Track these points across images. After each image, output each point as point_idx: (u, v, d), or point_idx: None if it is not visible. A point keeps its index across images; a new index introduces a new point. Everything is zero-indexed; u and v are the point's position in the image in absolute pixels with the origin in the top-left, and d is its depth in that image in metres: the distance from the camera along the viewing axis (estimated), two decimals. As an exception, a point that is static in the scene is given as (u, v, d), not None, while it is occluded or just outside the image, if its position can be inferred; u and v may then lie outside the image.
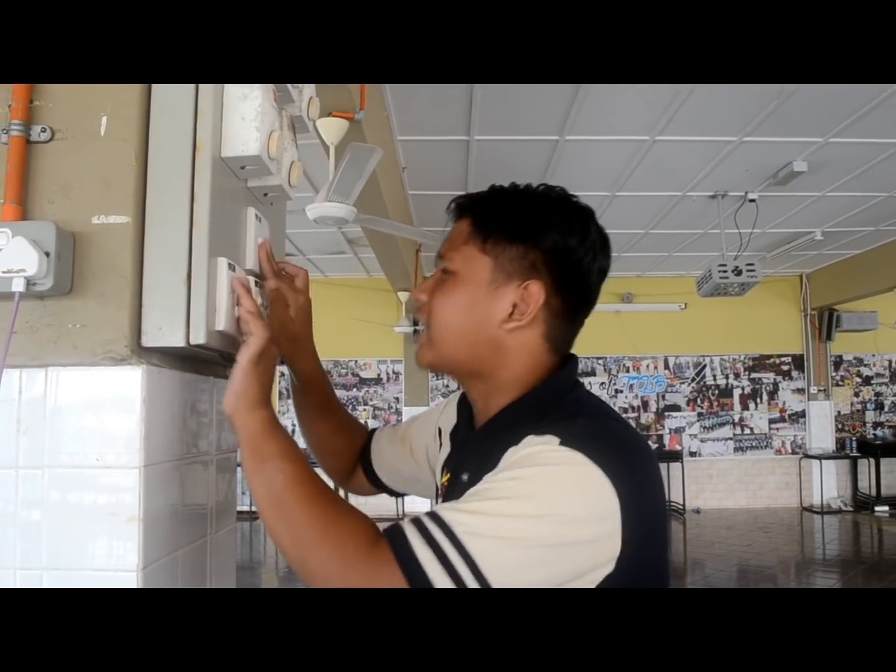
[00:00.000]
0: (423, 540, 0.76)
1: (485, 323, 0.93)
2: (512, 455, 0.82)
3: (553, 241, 0.92)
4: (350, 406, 9.38)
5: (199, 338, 0.96)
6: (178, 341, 0.96)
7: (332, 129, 3.07)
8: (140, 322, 0.97)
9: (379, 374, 9.50)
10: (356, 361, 9.46)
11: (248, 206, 1.11)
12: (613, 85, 3.89)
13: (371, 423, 9.14)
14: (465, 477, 0.95)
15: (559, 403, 0.92)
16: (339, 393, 9.23)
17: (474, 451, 0.97)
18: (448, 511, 0.78)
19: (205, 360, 1.15)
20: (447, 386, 9.42)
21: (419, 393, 9.42)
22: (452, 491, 0.97)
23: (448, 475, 1.04)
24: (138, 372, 0.96)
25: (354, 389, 9.47)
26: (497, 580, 0.73)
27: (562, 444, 0.78)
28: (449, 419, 1.14)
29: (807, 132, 4.71)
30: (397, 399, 9.48)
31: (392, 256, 6.02)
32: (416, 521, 0.78)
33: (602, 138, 4.73)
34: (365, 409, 9.44)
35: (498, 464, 0.83)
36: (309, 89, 1.25)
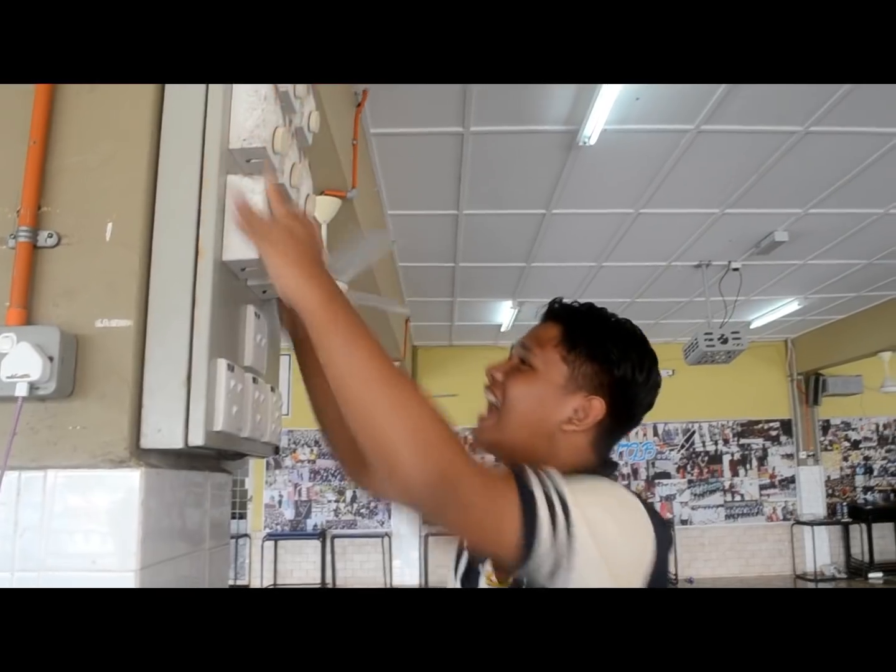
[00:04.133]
0: (542, 489, 0.87)
1: (548, 419, 1.05)
2: None
3: (625, 371, 1.06)
4: (339, 476, 9.28)
5: (197, 439, 0.97)
6: (176, 443, 0.97)
7: (324, 207, 3.13)
8: (140, 424, 0.98)
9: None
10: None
11: (247, 305, 1.13)
12: (599, 159, 4.01)
13: (360, 494, 9.12)
14: None
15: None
16: (327, 463, 9.20)
17: None
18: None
19: (200, 456, 1.16)
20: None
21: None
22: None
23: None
24: (136, 474, 0.96)
25: (342, 460, 9.36)
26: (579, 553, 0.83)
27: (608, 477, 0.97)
28: None
29: (787, 203, 4.84)
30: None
31: (382, 327, 6.07)
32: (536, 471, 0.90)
33: (588, 211, 4.83)
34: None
35: None
36: (307, 186, 1.29)
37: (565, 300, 1.14)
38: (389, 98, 3.37)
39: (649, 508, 0.94)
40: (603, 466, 1.07)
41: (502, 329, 8.28)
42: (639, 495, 0.97)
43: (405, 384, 0.83)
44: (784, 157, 4.09)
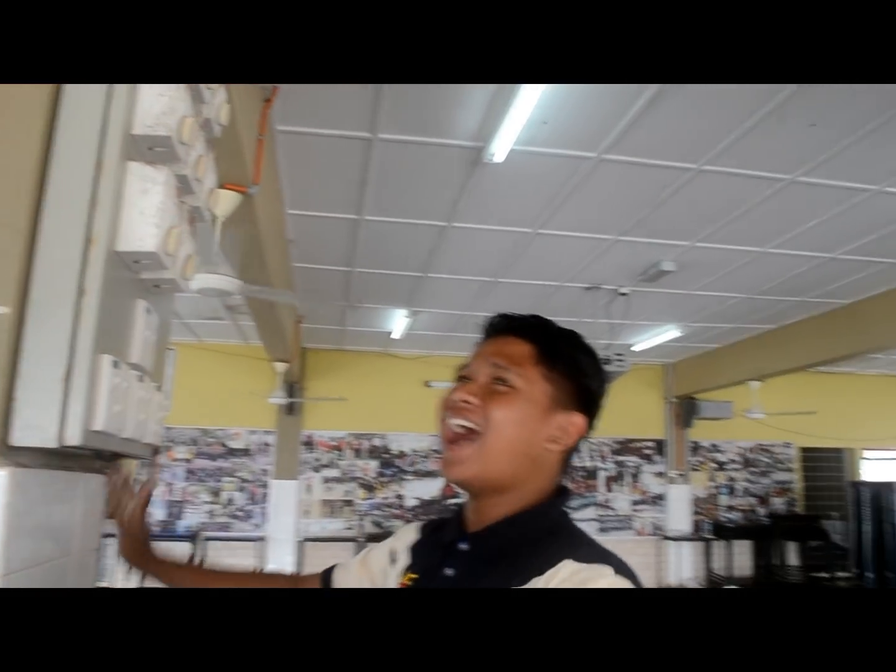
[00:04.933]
0: None
1: (534, 440, 1.02)
2: (556, 577, 0.89)
3: (596, 385, 1.08)
4: (215, 478, 9.01)
5: (74, 438, 0.91)
6: (50, 441, 0.90)
7: (224, 201, 3.02)
8: (9, 419, 0.91)
9: (248, 445, 9.16)
10: (225, 431, 9.13)
11: (137, 299, 1.07)
12: (504, 177, 4.06)
13: (237, 496, 8.89)
14: (449, 572, 1.02)
15: (567, 527, 1.03)
16: (205, 463, 8.93)
17: (472, 552, 1.03)
18: None
19: (75, 456, 1.09)
20: (318, 459, 9.24)
21: (289, 467, 9.15)
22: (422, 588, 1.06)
23: (414, 576, 1.10)
24: (3, 473, 0.89)
25: (221, 460, 9.07)
26: None
27: (616, 572, 0.90)
28: (406, 541, 1.19)
29: (676, 236, 5.06)
30: (265, 471, 9.15)
31: (272, 326, 5.93)
32: None
33: (488, 227, 4.89)
34: (231, 481, 9.06)
35: (520, 570, 0.91)
36: (210, 180, 1.24)
37: (512, 313, 1.12)
38: (300, 96, 3.30)
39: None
40: (561, 496, 1.08)
41: (393, 336, 8.26)
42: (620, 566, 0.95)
43: None
44: (678, 191, 4.27)
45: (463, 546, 1.04)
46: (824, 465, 10.98)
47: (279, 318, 5.67)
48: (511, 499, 1.02)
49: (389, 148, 3.75)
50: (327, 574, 1.28)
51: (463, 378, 1.07)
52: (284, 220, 4.72)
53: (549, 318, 1.11)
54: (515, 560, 0.94)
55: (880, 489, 9.21)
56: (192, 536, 8.61)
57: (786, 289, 6.36)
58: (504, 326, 1.09)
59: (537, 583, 0.89)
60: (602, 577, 0.88)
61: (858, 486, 9.78)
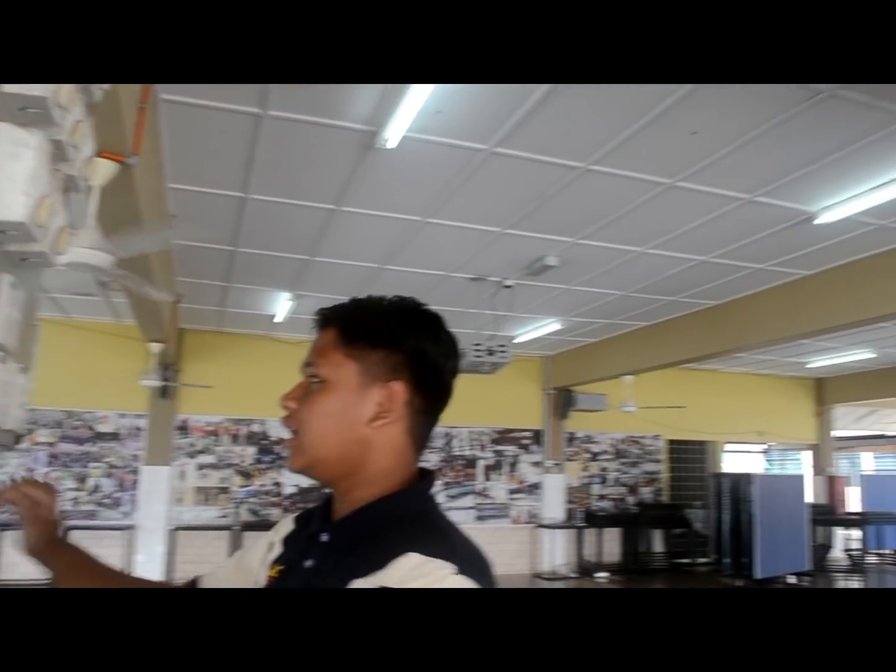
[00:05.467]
0: None
1: (354, 424, 1.00)
2: (398, 570, 0.87)
3: (410, 344, 1.02)
4: (81, 463, 8.55)
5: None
6: None
7: (101, 170, 2.84)
8: None
9: (118, 429, 8.73)
10: (93, 413, 8.67)
11: (1, 273, 0.98)
12: (396, 164, 4.03)
13: (104, 483, 8.47)
14: (309, 564, 1.01)
15: (425, 517, 1.00)
16: (70, 447, 8.47)
17: (331, 543, 1.01)
18: None
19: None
20: (192, 445, 8.94)
21: (162, 452, 8.80)
22: (286, 580, 1.04)
23: (280, 567, 1.08)
24: None
25: (88, 444, 8.60)
26: None
27: (459, 572, 0.86)
28: (282, 532, 1.18)
29: (561, 232, 5.19)
30: (136, 457, 8.75)
31: (147, 305, 5.66)
32: None
33: (378, 213, 4.85)
34: (98, 467, 8.61)
35: (372, 570, 0.88)
36: (88, 147, 1.15)
37: (329, 306, 1.10)
38: (184, 65, 3.15)
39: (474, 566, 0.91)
40: (424, 481, 1.04)
41: (276, 320, 8.09)
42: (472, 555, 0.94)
43: None
44: (564, 189, 4.37)
45: (324, 537, 1.03)
46: (689, 457, 11.64)
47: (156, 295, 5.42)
48: (362, 485, 1.01)
49: (280, 126, 3.65)
50: (193, 586, 1.24)
51: None
52: (166, 193, 4.51)
53: (434, 307, 1.08)
54: (364, 551, 0.93)
55: (739, 480, 9.81)
56: (53, 525, 8.14)
57: (660, 288, 6.67)
58: (318, 321, 1.09)
59: (379, 575, 0.87)
60: (442, 574, 0.86)
61: (719, 477, 10.40)
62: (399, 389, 1.00)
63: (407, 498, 1.01)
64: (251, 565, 1.19)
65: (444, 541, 0.93)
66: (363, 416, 1.00)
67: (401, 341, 1.01)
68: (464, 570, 0.86)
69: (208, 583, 1.23)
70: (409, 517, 0.98)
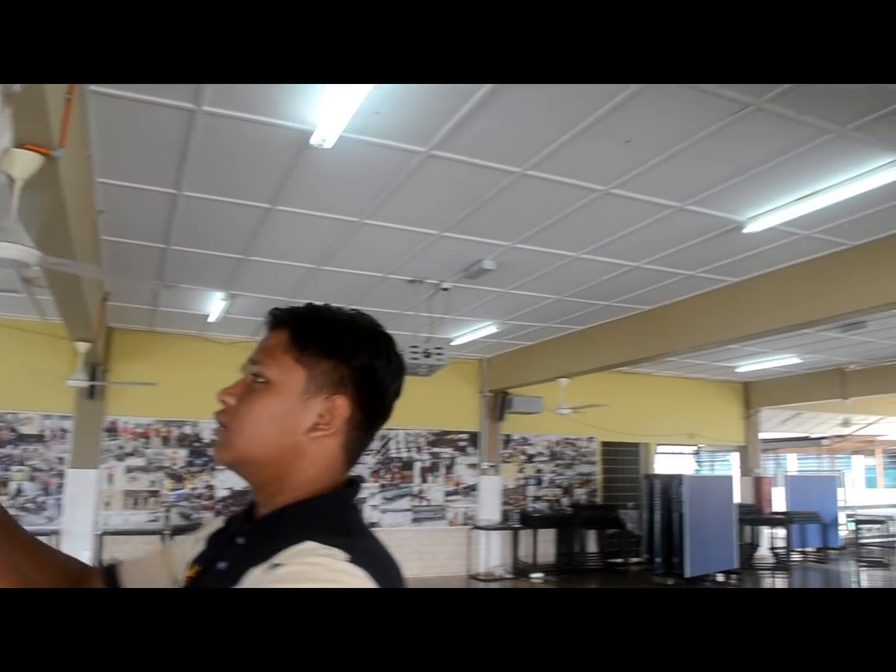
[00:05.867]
0: None
1: (291, 431, 0.98)
2: (289, 552, 0.86)
3: (361, 360, 1.01)
4: (3, 466, 8.22)
5: None
6: None
7: (23, 162, 2.74)
8: None
9: (42, 431, 8.42)
10: (16, 415, 8.34)
11: None
12: (332, 164, 4.00)
13: (27, 487, 8.18)
14: (222, 565, 0.99)
15: (341, 519, 0.97)
16: (-9, 450, 8.12)
17: (246, 545, 1.00)
18: None
19: None
20: (121, 447, 8.70)
21: (89, 455, 8.54)
22: (199, 581, 1.01)
23: (197, 567, 1.06)
24: None
25: (10, 446, 8.27)
26: None
27: (350, 561, 0.84)
28: (209, 530, 1.16)
29: (497, 235, 5.23)
30: (61, 460, 8.46)
31: (74, 302, 5.48)
32: None
33: (314, 213, 4.81)
34: (21, 470, 8.29)
35: (271, 557, 0.86)
36: (6, 138, 1.11)
37: (284, 307, 1.08)
38: (113, 57, 3.06)
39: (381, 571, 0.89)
40: (348, 485, 1.03)
41: (210, 320, 7.94)
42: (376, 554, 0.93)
43: None
44: (501, 192, 4.41)
45: (240, 540, 1.02)
46: (622, 459, 11.86)
47: (82, 294, 5.25)
48: (287, 490, 0.99)
49: (213, 122, 3.58)
50: (110, 572, 1.20)
51: None
52: (94, 188, 4.38)
53: (370, 309, 1.08)
54: (267, 544, 0.90)
55: (670, 481, 10.05)
56: (-29, 530, 7.81)
57: (594, 293, 6.78)
58: (270, 321, 1.07)
59: (270, 560, 0.85)
60: (330, 559, 0.84)
61: (651, 478, 10.64)
62: (342, 404, 0.99)
63: (328, 502, 1.00)
64: (174, 557, 1.18)
65: (346, 535, 0.91)
66: (301, 425, 0.98)
67: (352, 355, 1.00)
68: (356, 560, 0.84)
69: (127, 568, 1.19)
70: (325, 518, 0.96)
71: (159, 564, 1.20)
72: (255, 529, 1.01)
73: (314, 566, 0.83)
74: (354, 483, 1.06)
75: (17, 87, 1.07)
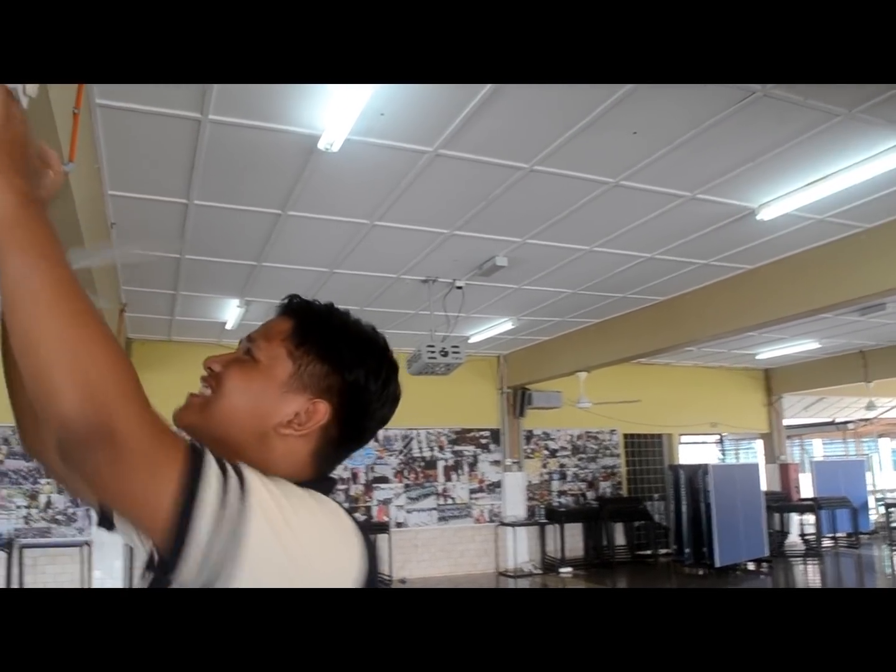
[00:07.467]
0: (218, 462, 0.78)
1: (262, 417, 0.95)
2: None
3: (357, 377, 0.98)
4: (31, 479, 8.30)
5: None
6: None
7: (31, 179, 2.77)
8: None
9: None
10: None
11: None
12: (340, 167, 4.02)
13: (56, 499, 8.28)
14: None
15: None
16: (18, 464, 8.29)
17: None
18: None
19: None
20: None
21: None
22: None
23: None
24: None
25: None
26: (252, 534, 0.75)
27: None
28: None
29: (509, 232, 5.22)
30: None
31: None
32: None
33: (325, 217, 4.83)
34: (50, 483, 8.29)
35: None
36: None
37: (305, 298, 1.06)
38: (119, 71, 3.10)
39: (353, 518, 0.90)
40: (319, 482, 0.96)
41: (227, 327, 8.00)
42: (340, 505, 0.92)
43: (85, 315, 0.72)
44: (510, 189, 4.41)
45: None
46: (646, 450, 11.81)
47: (99, 306, 5.30)
48: None
49: (221, 130, 3.61)
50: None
51: None
52: (105, 201, 4.43)
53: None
54: None
55: (695, 471, 9.98)
56: (6, 545, 7.91)
57: (609, 285, 6.75)
58: (283, 306, 1.05)
59: None
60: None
61: (676, 468, 10.56)
62: (322, 410, 0.95)
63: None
64: None
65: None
66: (274, 416, 0.95)
67: (348, 369, 0.97)
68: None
69: None
70: None
71: None
72: None
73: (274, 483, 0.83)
74: (329, 479, 1.02)
75: (24, 98, 1.08)
